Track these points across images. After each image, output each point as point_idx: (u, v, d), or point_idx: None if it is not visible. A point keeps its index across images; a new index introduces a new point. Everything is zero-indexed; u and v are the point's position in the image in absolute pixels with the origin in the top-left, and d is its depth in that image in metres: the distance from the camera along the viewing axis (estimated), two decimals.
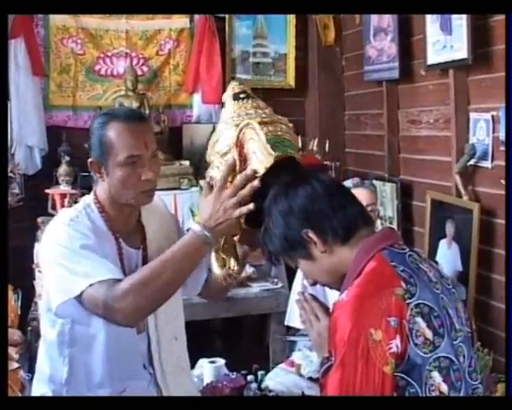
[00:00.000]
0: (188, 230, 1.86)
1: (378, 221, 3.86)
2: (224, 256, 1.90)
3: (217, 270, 1.91)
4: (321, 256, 1.63)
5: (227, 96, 1.88)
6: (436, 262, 3.62)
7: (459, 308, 1.62)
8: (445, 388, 1.47)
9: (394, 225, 4.17)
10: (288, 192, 1.66)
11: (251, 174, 1.75)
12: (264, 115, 1.84)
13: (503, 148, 3.16)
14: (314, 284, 1.73)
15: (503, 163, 3.15)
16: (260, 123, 1.78)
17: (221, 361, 2.81)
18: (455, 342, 1.53)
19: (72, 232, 1.89)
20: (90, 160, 1.98)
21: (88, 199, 2.04)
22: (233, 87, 1.91)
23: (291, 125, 1.91)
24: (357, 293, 1.51)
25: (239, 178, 1.76)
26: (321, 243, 1.62)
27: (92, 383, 2.00)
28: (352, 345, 1.45)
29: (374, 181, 3.81)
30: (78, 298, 1.83)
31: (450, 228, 3.54)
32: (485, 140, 3.32)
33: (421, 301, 1.49)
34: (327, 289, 2.65)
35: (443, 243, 3.59)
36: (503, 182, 3.09)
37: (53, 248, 1.90)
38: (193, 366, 2.89)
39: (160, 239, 2.07)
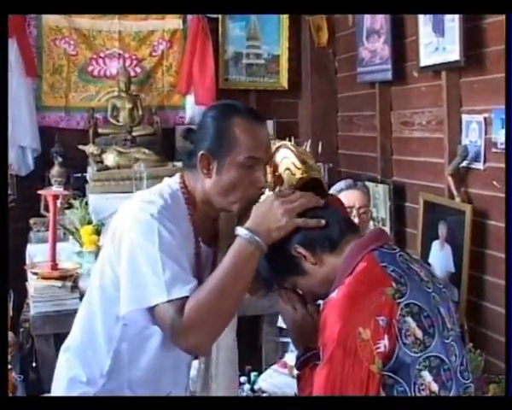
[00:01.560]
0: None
1: (371, 223, 3.86)
2: None
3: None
4: (313, 268, 1.67)
5: None
6: (428, 264, 3.63)
7: (451, 307, 1.64)
8: (435, 387, 1.49)
9: (387, 227, 4.17)
10: None
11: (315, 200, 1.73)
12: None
13: (495, 149, 3.17)
14: (315, 299, 1.76)
15: (495, 165, 3.17)
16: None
17: None
18: (446, 341, 1.54)
19: (161, 229, 1.71)
20: (201, 152, 1.80)
21: (173, 185, 1.86)
22: None
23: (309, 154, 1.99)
24: (348, 292, 1.54)
25: (298, 193, 1.73)
26: (310, 255, 1.66)
27: (134, 381, 1.91)
28: (341, 343, 1.47)
29: (366, 182, 3.81)
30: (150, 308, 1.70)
31: (442, 229, 3.55)
32: (478, 142, 3.33)
33: (411, 301, 1.50)
34: None
35: (435, 245, 3.60)
36: (495, 183, 3.10)
37: (137, 240, 1.72)
38: None
39: (228, 237, 1.94)
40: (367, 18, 4.29)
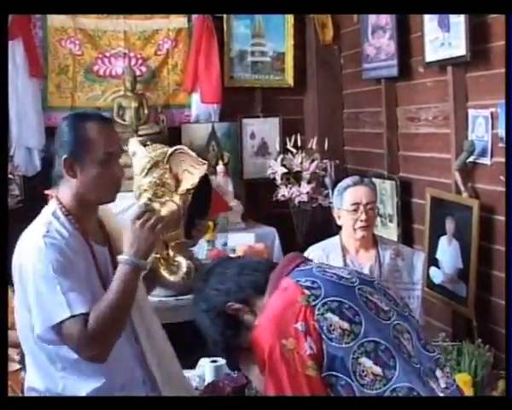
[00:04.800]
0: None
1: (378, 219, 3.86)
2: (176, 262, 2.16)
3: (171, 278, 2.17)
4: (252, 318, 1.73)
5: (136, 147, 2.24)
6: (436, 260, 3.63)
7: (388, 292, 1.72)
8: (377, 369, 1.53)
9: (394, 223, 4.17)
10: (197, 297, 1.81)
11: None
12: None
13: (501, 144, 3.16)
14: None
15: (502, 160, 3.15)
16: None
17: (222, 361, 2.81)
18: (387, 322, 1.61)
19: (51, 255, 1.92)
20: (64, 157, 2.03)
21: (51, 207, 2.08)
22: (136, 140, 2.34)
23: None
24: (265, 315, 1.63)
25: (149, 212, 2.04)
26: (244, 306, 1.73)
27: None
28: (272, 361, 1.55)
29: (373, 179, 3.80)
30: (57, 326, 1.89)
31: (450, 225, 3.54)
32: (484, 137, 3.32)
33: (328, 299, 1.58)
34: (330, 256, 2.98)
35: (443, 241, 3.59)
36: (502, 179, 3.09)
37: (34, 269, 1.92)
38: (194, 365, 2.89)
39: (118, 235, 2.15)
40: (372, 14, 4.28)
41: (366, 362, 1.53)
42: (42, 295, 1.90)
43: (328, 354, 1.53)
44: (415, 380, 1.54)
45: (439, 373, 1.61)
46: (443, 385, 1.59)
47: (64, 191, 2.08)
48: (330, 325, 1.54)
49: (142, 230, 1.98)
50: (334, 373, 1.53)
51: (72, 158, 2.03)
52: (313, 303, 1.57)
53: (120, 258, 1.97)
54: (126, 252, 1.96)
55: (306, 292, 1.59)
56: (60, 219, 2.02)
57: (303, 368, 1.52)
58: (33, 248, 1.95)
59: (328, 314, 1.56)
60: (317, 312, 1.56)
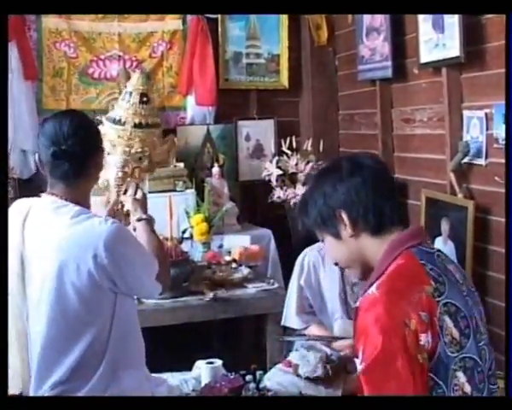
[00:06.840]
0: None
1: None
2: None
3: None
4: (348, 240, 1.68)
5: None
6: None
7: (482, 312, 1.65)
8: (468, 388, 1.49)
9: None
10: (338, 173, 1.71)
11: None
12: None
13: (496, 145, 3.17)
14: (336, 263, 1.78)
15: (497, 160, 3.17)
16: None
17: (218, 362, 2.80)
18: (479, 345, 1.55)
19: (121, 226, 2.21)
20: (92, 157, 2.25)
21: (80, 208, 2.18)
22: None
23: None
24: (389, 287, 1.53)
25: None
26: (350, 226, 1.66)
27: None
28: (390, 334, 1.46)
29: None
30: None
31: (445, 226, 3.54)
32: (479, 138, 3.33)
33: (449, 301, 1.51)
34: (326, 258, 2.92)
35: (438, 241, 3.60)
36: (497, 179, 3.10)
37: (125, 247, 2.15)
38: (190, 367, 2.89)
39: None
40: (366, 16, 4.28)
41: (461, 377, 1.48)
42: (143, 256, 2.22)
43: (439, 356, 1.47)
44: None
45: None
46: None
47: (77, 189, 2.23)
48: (446, 328, 1.48)
49: (137, 201, 2.65)
50: (435, 378, 1.47)
51: (98, 155, 2.27)
52: (437, 299, 1.50)
53: (140, 218, 2.52)
54: (140, 215, 2.53)
55: (433, 284, 1.52)
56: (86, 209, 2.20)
57: (416, 352, 1.45)
58: (112, 232, 2.09)
59: (446, 317, 1.49)
60: (438, 309, 1.49)
